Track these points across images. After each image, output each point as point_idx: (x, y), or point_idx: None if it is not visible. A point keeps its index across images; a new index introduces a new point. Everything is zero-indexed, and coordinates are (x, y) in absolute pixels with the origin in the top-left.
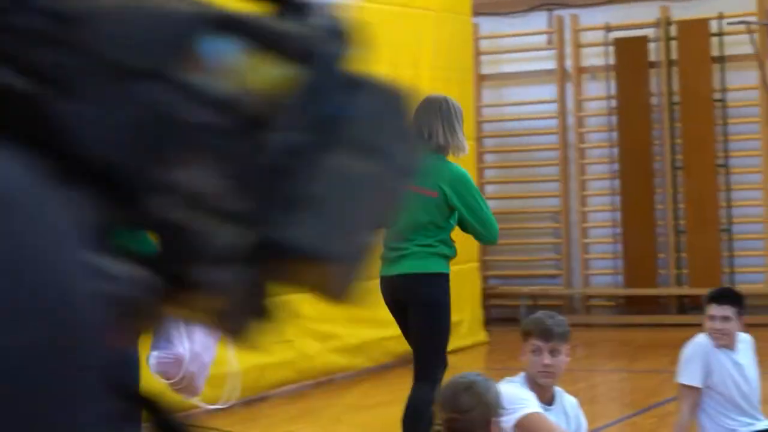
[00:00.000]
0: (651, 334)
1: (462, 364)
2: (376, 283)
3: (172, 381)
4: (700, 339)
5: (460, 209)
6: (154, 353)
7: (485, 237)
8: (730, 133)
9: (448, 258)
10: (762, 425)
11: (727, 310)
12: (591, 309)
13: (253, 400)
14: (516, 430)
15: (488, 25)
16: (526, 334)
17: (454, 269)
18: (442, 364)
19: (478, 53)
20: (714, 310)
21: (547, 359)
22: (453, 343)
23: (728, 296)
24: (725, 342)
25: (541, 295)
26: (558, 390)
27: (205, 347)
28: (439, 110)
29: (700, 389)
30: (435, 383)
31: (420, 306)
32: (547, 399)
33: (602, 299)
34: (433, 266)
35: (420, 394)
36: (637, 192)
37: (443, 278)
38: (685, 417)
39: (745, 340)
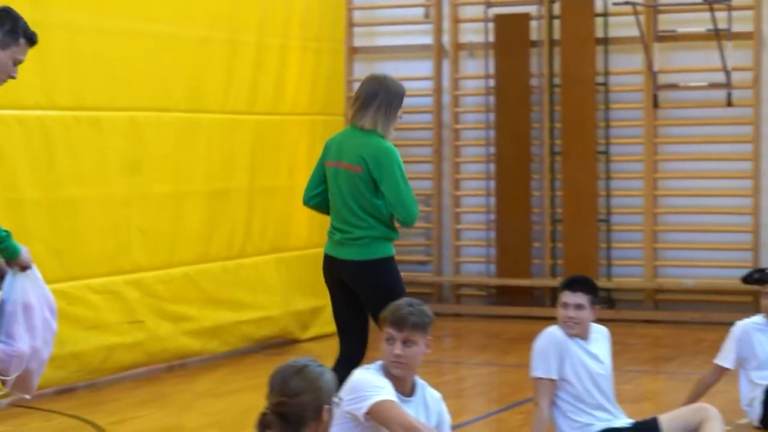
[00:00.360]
0: (523, 326)
1: (324, 351)
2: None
3: (7, 378)
4: (552, 330)
5: (378, 182)
6: None
7: (400, 216)
8: (612, 119)
9: (390, 239)
10: (620, 422)
11: (581, 298)
12: (461, 298)
13: (99, 383)
14: (367, 418)
15: None
16: (383, 321)
17: (317, 252)
18: None
19: (350, 25)
20: (567, 297)
21: (398, 349)
22: (313, 330)
23: (582, 284)
24: (577, 331)
25: (410, 282)
26: (420, 382)
27: (45, 342)
28: (377, 88)
29: (556, 381)
30: None
31: (369, 293)
32: (405, 390)
33: (473, 288)
34: (377, 252)
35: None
36: (513, 177)
37: (389, 261)
38: (545, 413)
39: (600, 331)
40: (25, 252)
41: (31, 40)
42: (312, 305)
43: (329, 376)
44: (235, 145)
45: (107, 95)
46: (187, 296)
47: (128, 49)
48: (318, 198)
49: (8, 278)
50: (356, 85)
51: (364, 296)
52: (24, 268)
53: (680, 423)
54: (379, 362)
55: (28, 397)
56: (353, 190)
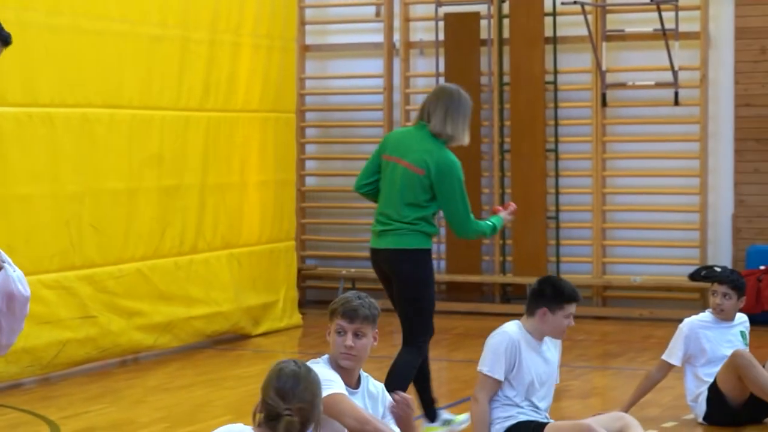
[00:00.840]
0: (472, 322)
1: (275, 346)
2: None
3: None
4: (510, 330)
5: (437, 192)
6: None
7: (454, 229)
8: (560, 117)
9: (429, 235)
10: (541, 418)
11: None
12: None
13: (51, 378)
14: None
15: None
16: (332, 314)
17: (269, 247)
18: (428, 332)
19: (302, 23)
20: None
21: (349, 341)
22: (264, 326)
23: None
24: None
25: (361, 278)
26: (363, 374)
27: (10, 332)
28: (447, 98)
29: (500, 382)
30: (419, 349)
31: (403, 281)
32: (352, 383)
33: None
34: (414, 242)
35: (405, 357)
36: (463, 174)
37: (424, 253)
38: (484, 406)
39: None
40: None
41: (6, 41)
42: (263, 301)
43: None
44: (187, 142)
45: (59, 92)
46: (139, 292)
47: (81, 46)
48: (369, 187)
49: None
50: (308, 83)
51: (396, 284)
52: None
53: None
54: (326, 356)
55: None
56: (408, 188)
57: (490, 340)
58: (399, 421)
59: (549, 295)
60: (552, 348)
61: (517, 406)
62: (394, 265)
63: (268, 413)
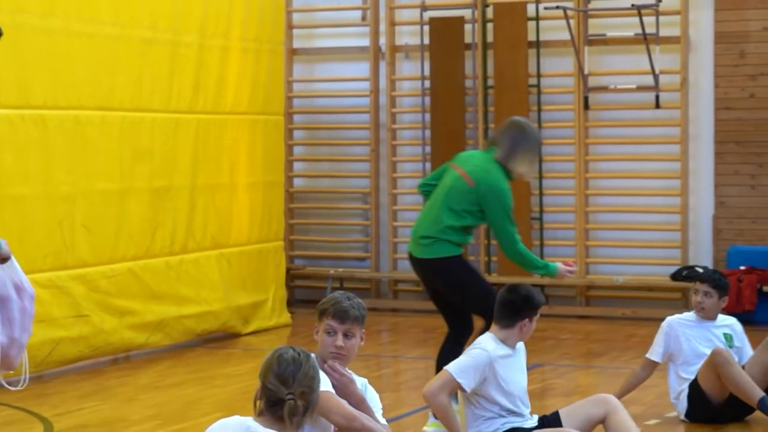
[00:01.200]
0: None
1: (264, 345)
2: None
3: None
4: (488, 345)
5: (485, 211)
6: None
7: (501, 248)
8: (544, 120)
9: (458, 244)
10: (527, 423)
11: None
12: (398, 294)
13: (45, 376)
14: None
15: None
16: (322, 314)
17: (258, 248)
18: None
19: (290, 27)
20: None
21: (340, 341)
22: (253, 325)
23: None
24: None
25: (348, 277)
26: (347, 372)
27: (23, 329)
28: (515, 132)
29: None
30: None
31: (445, 289)
32: None
33: (410, 284)
34: (438, 251)
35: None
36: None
37: (454, 259)
38: (447, 400)
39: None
40: (3, 244)
41: None
42: (252, 300)
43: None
44: (177, 144)
45: (52, 94)
46: (131, 291)
47: (73, 49)
48: (428, 188)
49: None
50: (296, 86)
51: (443, 291)
52: (3, 260)
53: (580, 415)
54: (313, 354)
55: (11, 371)
56: (455, 193)
57: (471, 351)
58: (338, 391)
59: (524, 306)
60: (521, 353)
61: (502, 416)
62: (426, 275)
63: (269, 399)
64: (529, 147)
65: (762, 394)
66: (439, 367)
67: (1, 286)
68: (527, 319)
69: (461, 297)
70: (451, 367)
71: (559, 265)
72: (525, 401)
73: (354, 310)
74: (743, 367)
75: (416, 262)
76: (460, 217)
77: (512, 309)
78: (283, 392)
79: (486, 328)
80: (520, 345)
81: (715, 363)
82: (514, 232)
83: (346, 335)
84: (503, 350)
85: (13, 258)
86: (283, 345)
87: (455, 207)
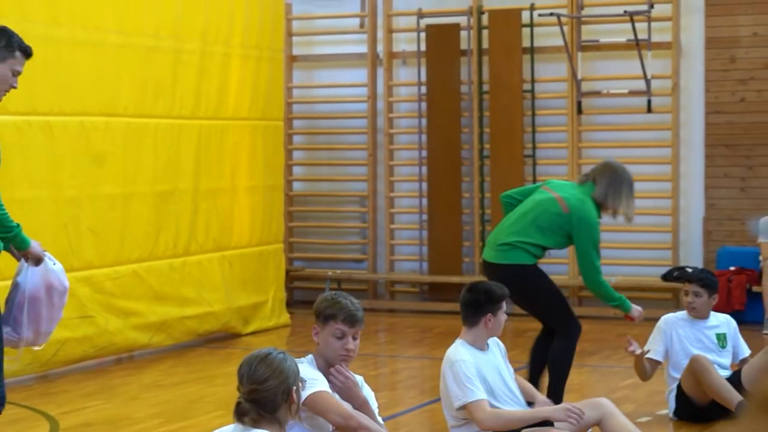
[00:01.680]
0: (454, 321)
1: (264, 345)
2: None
3: (17, 355)
4: (466, 356)
5: (574, 239)
6: (7, 328)
7: (582, 275)
8: (538, 124)
9: (534, 255)
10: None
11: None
12: (395, 295)
13: (50, 375)
14: (304, 408)
15: (301, 6)
16: (329, 318)
17: (258, 250)
18: (573, 323)
19: (289, 34)
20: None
21: (351, 344)
22: (254, 325)
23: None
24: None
25: (346, 279)
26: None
27: (50, 320)
28: (611, 173)
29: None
30: (571, 336)
31: (520, 294)
32: None
33: (407, 285)
34: (513, 258)
35: (558, 343)
36: (445, 179)
37: (529, 268)
38: (491, 410)
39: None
40: (35, 245)
41: (26, 52)
42: (253, 301)
43: (292, 361)
44: (180, 149)
45: (58, 101)
46: (135, 292)
47: (78, 57)
48: (511, 200)
49: (24, 269)
50: (295, 92)
51: (519, 296)
52: (37, 261)
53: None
54: (311, 355)
55: (38, 348)
56: (547, 214)
57: (456, 369)
58: (341, 394)
59: (485, 301)
60: (495, 350)
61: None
62: (498, 280)
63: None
64: (625, 186)
65: (740, 398)
66: (535, 362)
67: (34, 288)
68: (490, 314)
69: (535, 306)
70: (466, 397)
71: (633, 306)
72: (513, 395)
73: (360, 313)
74: (741, 366)
75: (491, 268)
76: (546, 236)
77: (475, 306)
78: (240, 393)
79: (559, 341)
80: (494, 342)
81: (694, 370)
82: (599, 264)
83: (353, 337)
84: (476, 354)
85: (47, 256)
86: (282, 345)
87: (544, 226)
